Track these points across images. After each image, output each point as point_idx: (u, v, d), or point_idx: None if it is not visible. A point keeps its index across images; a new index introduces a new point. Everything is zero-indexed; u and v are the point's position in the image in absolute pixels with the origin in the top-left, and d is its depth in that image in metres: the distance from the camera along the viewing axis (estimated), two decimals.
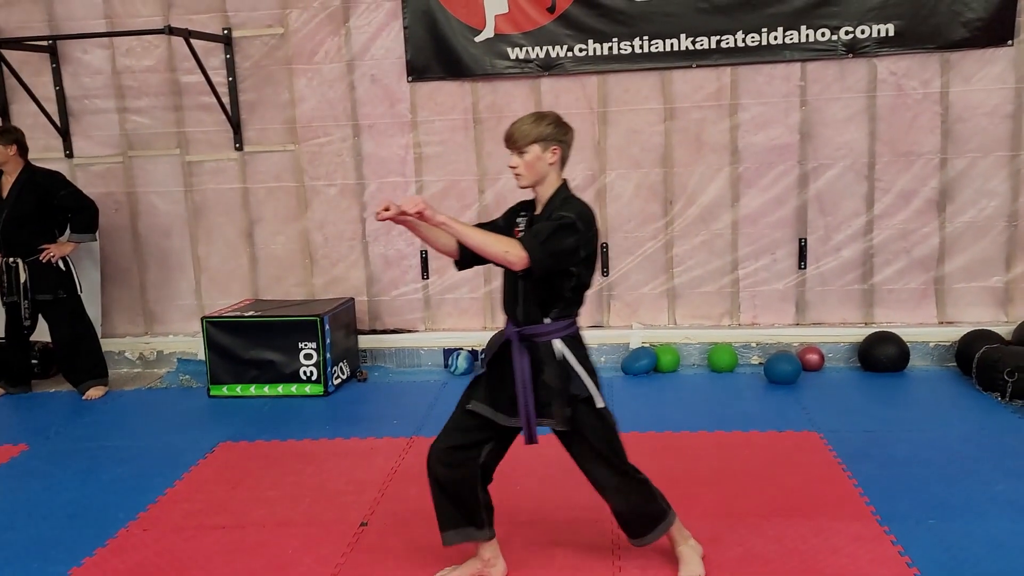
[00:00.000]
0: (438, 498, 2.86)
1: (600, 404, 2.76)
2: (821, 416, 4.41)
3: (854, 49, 5.12)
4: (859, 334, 5.29)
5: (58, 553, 3.27)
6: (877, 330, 5.27)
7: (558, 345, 2.74)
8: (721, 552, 3.06)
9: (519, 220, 2.84)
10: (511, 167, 2.73)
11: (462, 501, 2.84)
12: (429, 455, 2.85)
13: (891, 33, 5.06)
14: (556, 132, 2.71)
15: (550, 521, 3.36)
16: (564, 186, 2.76)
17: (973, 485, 3.53)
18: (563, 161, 2.75)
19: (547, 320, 2.74)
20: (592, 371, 2.79)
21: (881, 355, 5.13)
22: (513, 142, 2.71)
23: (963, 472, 3.66)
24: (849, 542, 3.10)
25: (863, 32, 5.08)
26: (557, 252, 2.61)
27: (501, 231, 2.81)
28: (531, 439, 2.78)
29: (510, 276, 2.75)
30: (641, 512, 2.88)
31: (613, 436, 2.83)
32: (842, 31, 5.10)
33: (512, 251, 2.57)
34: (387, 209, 2.57)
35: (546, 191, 2.75)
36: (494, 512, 2.93)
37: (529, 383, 2.72)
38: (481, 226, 2.79)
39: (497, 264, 2.63)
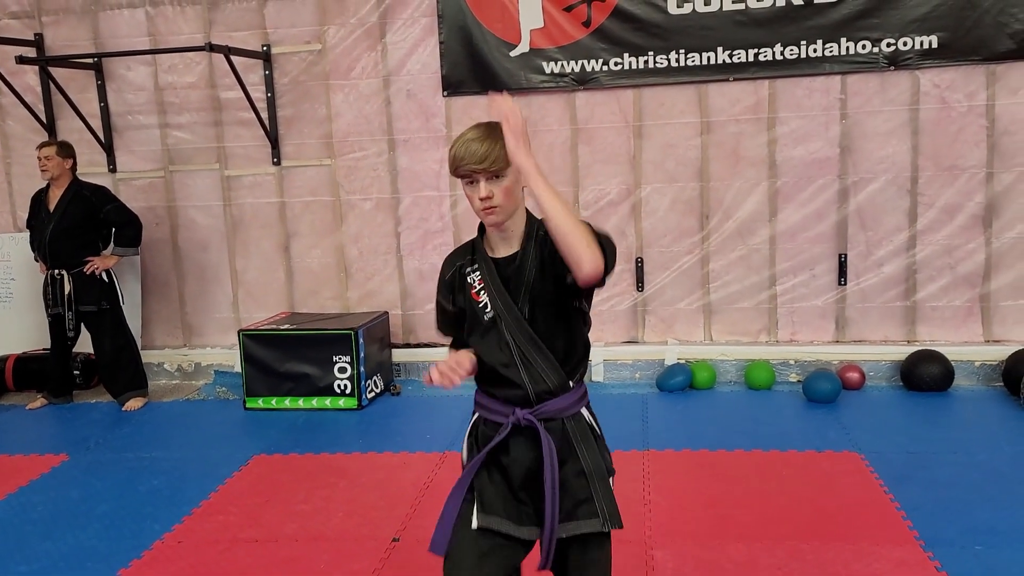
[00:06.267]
0: None
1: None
2: (862, 436, 4.31)
3: (896, 61, 5.03)
4: (901, 352, 5.18)
5: (95, 564, 3.31)
6: (920, 348, 5.15)
7: (588, 417, 2.06)
8: None
9: (469, 277, 2.04)
10: (482, 199, 1.91)
11: None
12: None
13: (934, 45, 4.97)
14: None
15: None
16: (531, 214, 2.04)
17: (1021, 510, 3.41)
18: None
19: (572, 384, 2.03)
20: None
21: (924, 374, 5.00)
22: (488, 160, 1.88)
23: (1011, 496, 3.54)
24: (892, 568, 3.02)
25: (905, 44, 5.00)
26: (614, 258, 1.91)
27: (452, 318, 2.12)
28: (547, 562, 2.00)
29: (515, 329, 1.98)
30: None
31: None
32: (883, 43, 5.02)
33: (593, 249, 1.79)
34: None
35: (518, 225, 2.00)
36: None
37: (558, 483, 1.97)
38: (441, 318, 2.18)
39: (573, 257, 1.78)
